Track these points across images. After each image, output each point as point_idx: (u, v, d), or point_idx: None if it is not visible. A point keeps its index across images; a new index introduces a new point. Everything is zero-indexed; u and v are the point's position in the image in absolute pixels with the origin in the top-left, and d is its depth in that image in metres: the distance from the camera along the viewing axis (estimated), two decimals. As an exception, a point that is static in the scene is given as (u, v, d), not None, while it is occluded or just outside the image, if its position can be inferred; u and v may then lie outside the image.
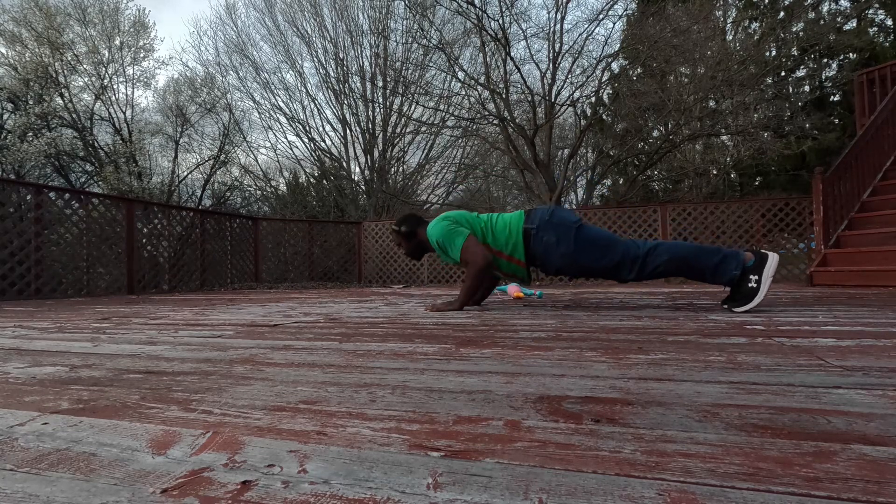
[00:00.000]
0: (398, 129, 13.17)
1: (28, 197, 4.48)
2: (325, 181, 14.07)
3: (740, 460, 0.49)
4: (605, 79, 10.16)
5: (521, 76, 9.39)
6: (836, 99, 13.25)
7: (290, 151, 17.11)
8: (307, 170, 14.30)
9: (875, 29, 12.74)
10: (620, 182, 14.84)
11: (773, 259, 1.98)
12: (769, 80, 10.97)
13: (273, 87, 13.71)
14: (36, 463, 0.52)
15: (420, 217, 2.59)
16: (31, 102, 10.60)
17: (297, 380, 0.90)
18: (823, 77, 13.32)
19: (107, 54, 11.87)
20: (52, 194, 4.70)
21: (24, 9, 10.72)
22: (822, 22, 11.22)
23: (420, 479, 0.46)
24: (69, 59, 11.24)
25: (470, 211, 2.57)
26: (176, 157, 13.15)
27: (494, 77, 9.99)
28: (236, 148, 13.87)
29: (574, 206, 14.19)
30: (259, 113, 15.72)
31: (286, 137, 22.18)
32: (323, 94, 14.08)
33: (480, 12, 8.79)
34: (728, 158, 11.86)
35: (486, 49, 9.77)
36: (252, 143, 14.86)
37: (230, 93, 13.63)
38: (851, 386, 0.78)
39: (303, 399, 0.76)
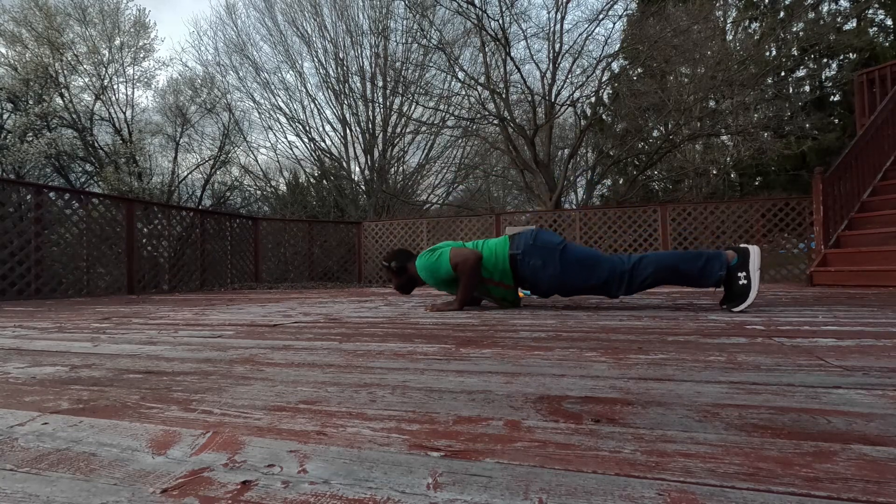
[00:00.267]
0: (398, 129, 13.17)
1: (28, 197, 4.48)
2: (325, 181, 14.07)
3: (740, 460, 0.49)
4: (605, 79, 10.16)
5: (521, 76, 9.40)
6: (836, 99, 13.25)
7: (290, 151, 17.14)
8: (307, 170, 14.32)
9: (875, 29, 12.75)
10: (620, 182, 14.84)
11: (754, 252, 2.01)
12: (769, 80, 10.97)
13: (273, 87, 13.73)
14: (36, 463, 0.52)
15: (409, 252, 2.64)
16: (31, 102, 10.60)
17: (297, 380, 0.90)
18: (823, 77, 13.32)
19: (107, 54, 11.88)
20: (52, 194, 4.70)
21: (25, 9, 10.73)
22: (822, 22, 11.22)
23: (420, 479, 0.46)
24: (69, 59, 11.24)
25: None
26: (176, 157, 13.16)
27: (494, 77, 10.00)
28: (236, 148, 13.89)
29: (574, 206, 14.20)
30: (259, 113, 15.75)
31: (286, 137, 22.23)
32: (323, 94, 14.10)
33: (480, 12, 8.80)
34: (728, 158, 11.86)
35: (486, 49, 9.78)
36: (252, 143, 14.89)
37: (230, 93, 13.65)
38: (851, 386, 0.78)
39: (303, 399, 0.76)
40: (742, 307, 1.99)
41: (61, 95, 11.27)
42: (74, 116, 11.49)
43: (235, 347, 1.31)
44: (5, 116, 10.97)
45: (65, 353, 1.27)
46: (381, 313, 2.31)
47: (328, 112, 16.88)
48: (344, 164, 13.64)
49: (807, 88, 13.03)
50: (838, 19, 11.45)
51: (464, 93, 10.51)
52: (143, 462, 0.52)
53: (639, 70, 10.68)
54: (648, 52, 8.97)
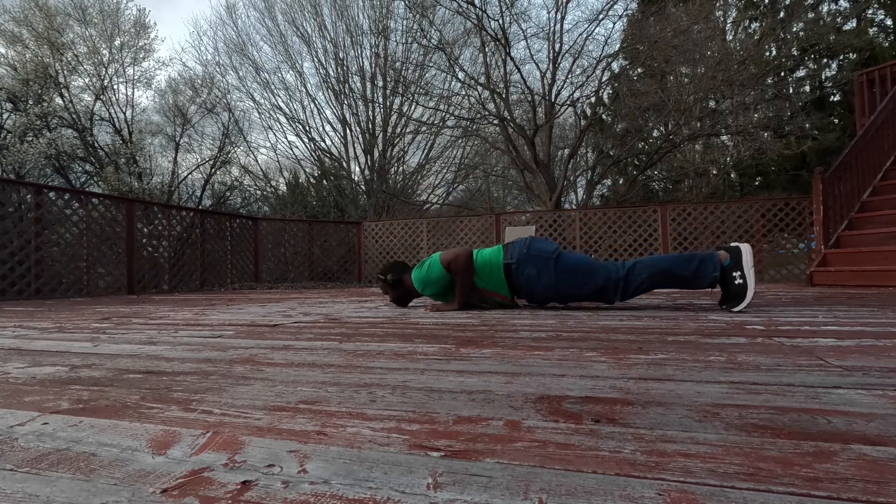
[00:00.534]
0: (398, 129, 13.18)
1: (28, 197, 4.48)
2: (325, 181, 14.08)
3: (740, 460, 0.49)
4: (605, 79, 10.17)
5: (521, 76, 9.40)
6: (836, 99, 13.25)
7: (290, 151, 17.14)
8: (307, 170, 14.32)
9: (875, 29, 12.75)
10: (620, 182, 14.84)
11: (745, 250, 2.02)
12: (769, 80, 10.98)
13: (273, 87, 13.74)
14: (36, 463, 0.52)
15: (405, 265, 2.64)
16: (30, 102, 10.60)
17: (297, 380, 0.90)
18: (823, 77, 13.32)
19: (107, 55, 11.89)
20: (52, 194, 4.70)
21: (25, 9, 10.73)
22: (821, 22, 11.22)
23: (420, 479, 0.46)
24: (69, 59, 11.24)
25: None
26: (176, 157, 13.16)
27: (494, 77, 10.00)
28: (236, 148, 13.89)
29: (574, 206, 14.20)
30: (259, 113, 15.76)
31: (286, 137, 22.24)
32: (323, 94, 14.11)
33: (480, 12, 8.80)
34: (728, 158, 11.86)
35: (486, 49, 9.78)
36: (252, 143, 14.88)
37: (230, 93, 13.65)
38: (851, 386, 0.78)
39: (303, 399, 0.76)
40: (741, 306, 1.99)
41: (61, 95, 11.27)
42: (74, 116, 11.50)
43: (235, 347, 1.31)
44: (5, 116, 10.97)
45: (65, 353, 1.27)
46: (381, 313, 2.31)
47: (328, 112, 16.90)
48: (344, 164, 13.65)
49: (807, 88, 13.03)
50: (838, 19, 11.46)
51: (464, 93, 10.51)
52: (143, 462, 0.52)
53: (639, 70, 10.68)
54: (648, 52, 8.97)
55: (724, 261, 2.05)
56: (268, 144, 22.43)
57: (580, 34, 9.89)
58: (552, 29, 9.48)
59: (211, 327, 1.82)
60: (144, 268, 5.50)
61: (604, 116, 12.60)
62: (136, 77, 12.48)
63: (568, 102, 9.94)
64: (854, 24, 12.24)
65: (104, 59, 11.82)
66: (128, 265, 5.23)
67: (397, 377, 0.91)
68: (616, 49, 9.92)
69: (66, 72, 11.32)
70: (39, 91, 10.72)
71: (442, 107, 11.25)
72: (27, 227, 4.39)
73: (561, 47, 9.56)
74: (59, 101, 11.23)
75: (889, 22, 12.80)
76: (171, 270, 5.85)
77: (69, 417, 0.69)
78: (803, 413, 0.64)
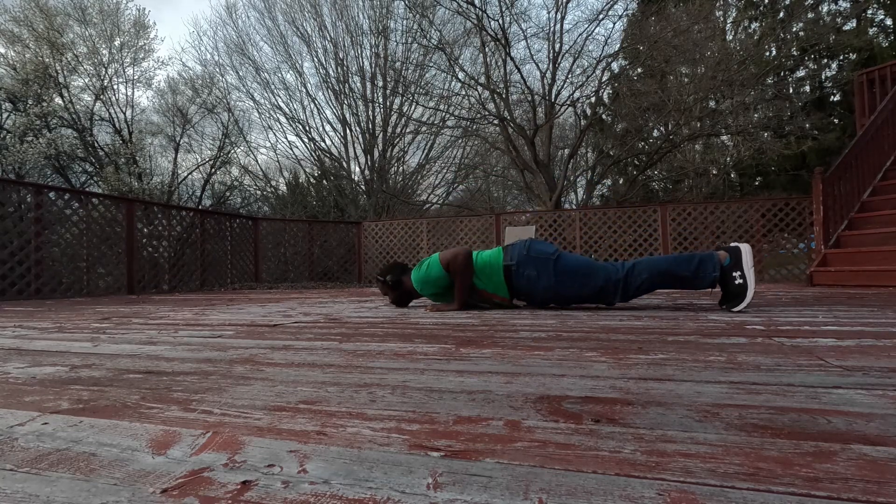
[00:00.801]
0: (398, 129, 13.18)
1: (28, 197, 4.48)
2: (325, 181, 14.08)
3: (740, 460, 0.49)
4: (605, 79, 10.17)
5: (521, 76, 9.40)
6: (836, 99, 13.26)
7: (290, 151, 17.14)
8: (307, 170, 14.32)
9: (875, 29, 12.75)
10: (620, 182, 14.84)
11: (745, 250, 2.02)
12: (769, 80, 10.98)
13: (273, 86, 13.74)
14: (36, 463, 0.52)
15: (404, 266, 2.64)
16: (30, 102, 10.60)
17: (297, 380, 0.90)
18: (823, 77, 13.32)
19: (107, 55, 11.89)
20: (52, 194, 4.70)
21: (25, 9, 10.73)
22: (821, 22, 11.22)
23: (420, 479, 0.46)
24: (69, 59, 11.24)
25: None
26: (176, 157, 13.16)
27: (494, 77, 10.00)
28: (236, 148, 13.89)
29: (574, 206, 14.20)
30: (259, 113, 15.78)
31: (286, 137, 22.25)
32: (323, 94, 14.12)
33: (480, 12, 8.80)
34: (728, 158, 11.86)
35: (486, 49, 9.78)
36: (252, 143, 14.88)
37: (230, 93, 13.65)
38: (851, 386, 0.78)
39: (303, 399, 0.76)
40: (741, 306, 1.99)
41: (61, 95, 11.27)
42: (74, 116, 11.50)
43: (235, 347, 1.31)
44: (5, 116, 10.97)
45: (65, 353, 1.27)
46: (381, 313, 2.31)
47: (328, 112, 16.91)
48: (344, 164, 13.65)
49: (807, 88, 13.03)
50: (838, 19, 11.46)
51: (464, 93, 10.51)
52: (143, 462, 0.52)
53: (639, 70, 10.68)
54: (648, 52, 8.97)
55: (723, 261, 2.05)
56: (268, 144, 22.46)
57: (580, 34, 9.90)
58: (552, 29, 9.49)
59: (211, 327, 1.82)
60: (144, 268, 5.50)
61: (604, 116, 12.60)
62: (135, 77, 12.50)
63: (568, 102, 9.94)
64: (854, 24, 12.25)
65: (104, 60, 11.83)
66: (128, 265, 5.23)
67: (397, 377, 0.91)
68: (616, 49, 9.93)
69: (65, 72, 11.32)
70: (39, 91, 10.72)
71: (442, 107, 11.25)
72: (27, 227, 4.39)
73: (561, 47, 9.57)
74: (58, 101, 11.23)
75: (889, 22, 12.80)
76: (171, 270, 5.85)
77: (69, 417, 0.69)
78: (803, 413, 0.64)
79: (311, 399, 0.76)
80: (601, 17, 9.15)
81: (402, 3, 10.54)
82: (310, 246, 7.65)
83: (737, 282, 2.01)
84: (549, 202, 9.62)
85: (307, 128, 13.61)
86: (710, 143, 11.70)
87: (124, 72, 12.25)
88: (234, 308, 2.84)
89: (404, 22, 12.15)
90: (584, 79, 9.65)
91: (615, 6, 9.12)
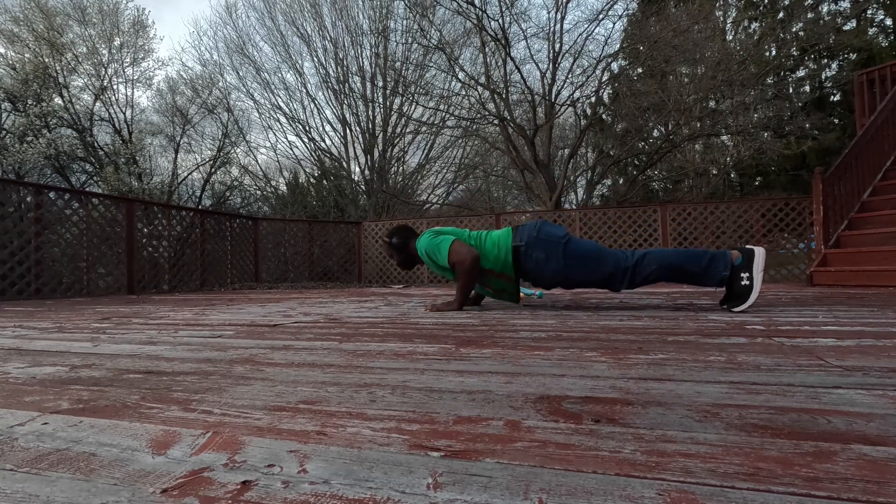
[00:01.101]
0: (398, 129, 13.17)
1: (28, 197, 4.48)
2: (325, 181, 14.07)
3: (740, 460, 0.49)
4: (605, 79, 10.16)
5: (521, 76, 9.40)
6: (836, 99, 13.26)
7: (290, 151, 17.13)
8: (307, 170, 14.31)
9: (875, 29, 12.75)
10: (620, 182, 14.84)
11: (759, 253, 2.00)
12: (769, 80, 10.97)
13: (273, 86, 13.73)
14: (36, 463, 0.52)
15: (412, 229, 2.62)
16: (30, 102, 10.60)
17: (297, 380, 0.90)
18: (823, 77, 13.33)
19: (106, 55, 11.88)
20: (52, 194, 4.70)
21: (25, 9, 10.73)
22: (821, 22, 11.22)
23: (420, 479, 0.46)
24: (69, 59, 11.24)
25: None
26: (176, 157, 13.16)
27: (494, 77, 10.00)
28: (236, 148, 13.88)
29: (574, 206, 14.20)
30: (259, 113, 15.75)
31: (286, 137, 22.22)
32: (323, 94, 14.11)
33: (480, 12, 8.80)
34: (728, 158, 11.86)
35: (486, 49, 9.78)
36: (252, 143, 14.88)
37: (230, 93, 13.65)
38: (851, 386, 0.78)
39: (303, 399, 0.76)
40: (742, 307, 1.98)
41: (61, 95, 11.26)
42: (74, 117, 11.49)
43: (235, 347, 1.31)
44: (4, 117, 10.97)
45: (65, 353, 1.27)
46: (381, 313, 2.31)
47: (328, 112, 16.91)
48: (344, 164, 13.64)
49: (807, 88, 13.04)
50: (838, 19, 11.46)
51: (464, 93, 10.51)
52: (143, 462, 0.52)
53: (639, 70, 10.68)
54: (648, 52, 8.97)
55: (735, 260, 2.04)
56: (268, 144, 22.44)
57: (580, 34, 9.89)
58: (552, 29, 9.48)
59: (211, 327, 1.82)
60: (144, 268, 5.50)
61: (604, 116, 12.60)
62: (135, 77, 12.48)
63: (568, 102, 9.94)
64: (854, 24, 12.25)
65: (104, 60, 11.82)
66: (128, 265, 5.23)
67: (397, 377, 0.91)
68: (616, 49, 9.92)
69: (65, 72, 11.31)
70: (39, 91, 10.72)
71: (442, 107, 11.25)
72: (27, 227, 4.38)
73: (561, 47, 9.56)
74: (58, 101, 11.22)
75: (889, 22, 12.80)
76: (171, 270, 5.85)
77: (69, 417, 0.69)
78: (803, 413, 0.64)
79: (311, 399, 0.76)
80: (601, 17, 9.14)
81: (402, 3, 10.54)
82: (310, 246, 7.65)
83: (743, 283, 2.00)
84: (549, 202, 9.61)
85: (307, 128, 13.61)
86: (710, 143, 11.71)
87: (124, 72, 12.26)
88: (234, 308, 2.84)
89: (404, 22, 12.15)
90: (584, 79, 9.65)
91: (615, 6, 9.11)
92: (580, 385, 0.82)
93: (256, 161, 14.65)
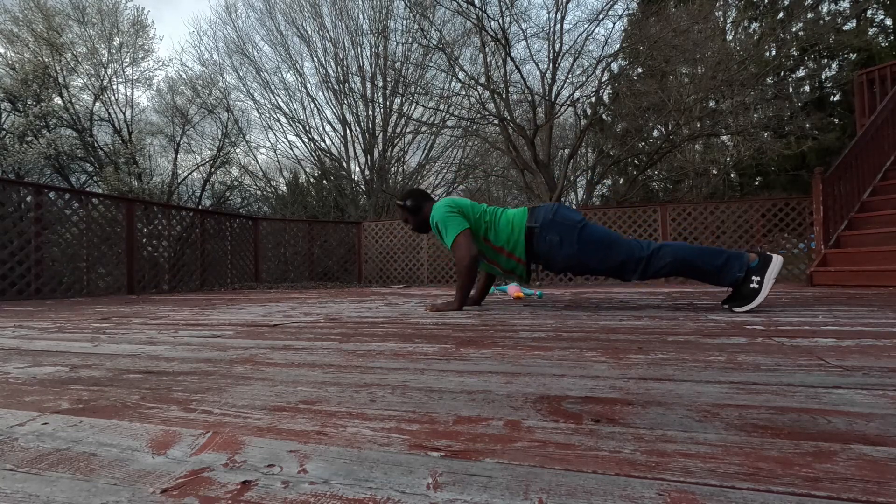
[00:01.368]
0: (398, 129, 13.17)
1: (28, 197, 4.48)
2: (325, 181, 14.07)
3: (740, 460, 0.49)
4: (605, 79, 10.15)
5: (521, 76, 9.39)
6: (836, 99, 13.26)
7: (290, 151, 17.13)
8: (307, 170, 14.31)
9: (875, 29, 12.76)
10: (620, 182, 14.85)
11: (776, 261, 1.98)
12: (769, 80, 10.97)
13: (273, 86, 13.72)
14: (36, 463, 0.52)
15: (426, 193, 2.55)
16: (30, 102, 10.59)
17: (297, 380, 0.90)
18: (823, 77, 13.33)
19: (106, 54, 11.87)
20: (52, 194, 4.70)
21: (24, 9, 10.72)
22: (821, 22, 11.22)
23: (420, 479, 0.46)
24: (68, 59, 11.24)
25: (479, 203, 2.54)
26: (176, 157, 13.15)
27: (494, 77, 9.99)
28: (236, 148, 13.88)
29: (574, 206, 14.19)
30: (259, 113, 15.74)
31: (286, 137, 22.20)
32: (323, 94, 14.10)
33: (480, 12, 8.79)
34: (728, 158, 11.86)
35: (486, 49, 9.77)
36: (252, 143, 14.88)
37: (230, 93, 13.64)
38: (851, 386, 0.78)
39: (303, 399, 0.76)
40: (744, 309, 1.98)
41: (60, 95, 11.26)
42: (74, 117, 11.49)
43: (235, 347, 1.31)
44: (4, 117, 10.97)
45: (65, 353, 1.27)
46: (381, 313, 2.31)
47: (328, 112, 16.90)
48: (344, 164, 13.64)
49: (807, 88, 13.04)
50: (838, 19, 11.46)
51: (464, 93, 10.50)
52: (143, 462, 0.52)
53: (639, 70, 10.68)
54: (648, 52, 8.96)
55: (751, 262, 2.02)
56: (268, 144, 22.44)
57: (580, 34, 9.88)
58: (552, 29, 9.47)
59: (211, 327, 1.82)
60: (144, 268, 5.50)
61: (604, 116, 12.60)
62: (135, 77, 12.48)
63: (568, 102, 9.93)
64: (854, 24, 12.25)
65: (103, 60, 11.81)
66: (128, 265, 5.23)
67: (397, 377, 0.91)
68: (616, 49, 9.91)
69: (65, 72, 11.31)
70: (39, 91, 10.72)
71: (442, 107, 11.24)
72: (27, 227, 4.38)
73: (561, 47, 9.56)
74: (58, 101, 11.21)
75: (889, 22, 12.81)
76: (171, 270, 5.85)
77: (69, 417, 0.69)
78: (803, 413, 0.64)
79: (311, 399, 0.76)
80: (601, 17, 9.13)
81: (402, 3, 10.54)
82: (310, 246, 7.65)
83: (752, 285, 1.98)
84: (549, 202, 9.61)
85: (307, 128, 13.61)
86: (710, 143, 11.71)
87: (124, 72, 12.25)
88: (234, 308, 2.84)
89: (404, 22, 12.14)
90: (584, 79, 9.64)
91: (615, 6, 9.10)
92: (580, 385, 0.82)
93: (256, 161, 14.66)
